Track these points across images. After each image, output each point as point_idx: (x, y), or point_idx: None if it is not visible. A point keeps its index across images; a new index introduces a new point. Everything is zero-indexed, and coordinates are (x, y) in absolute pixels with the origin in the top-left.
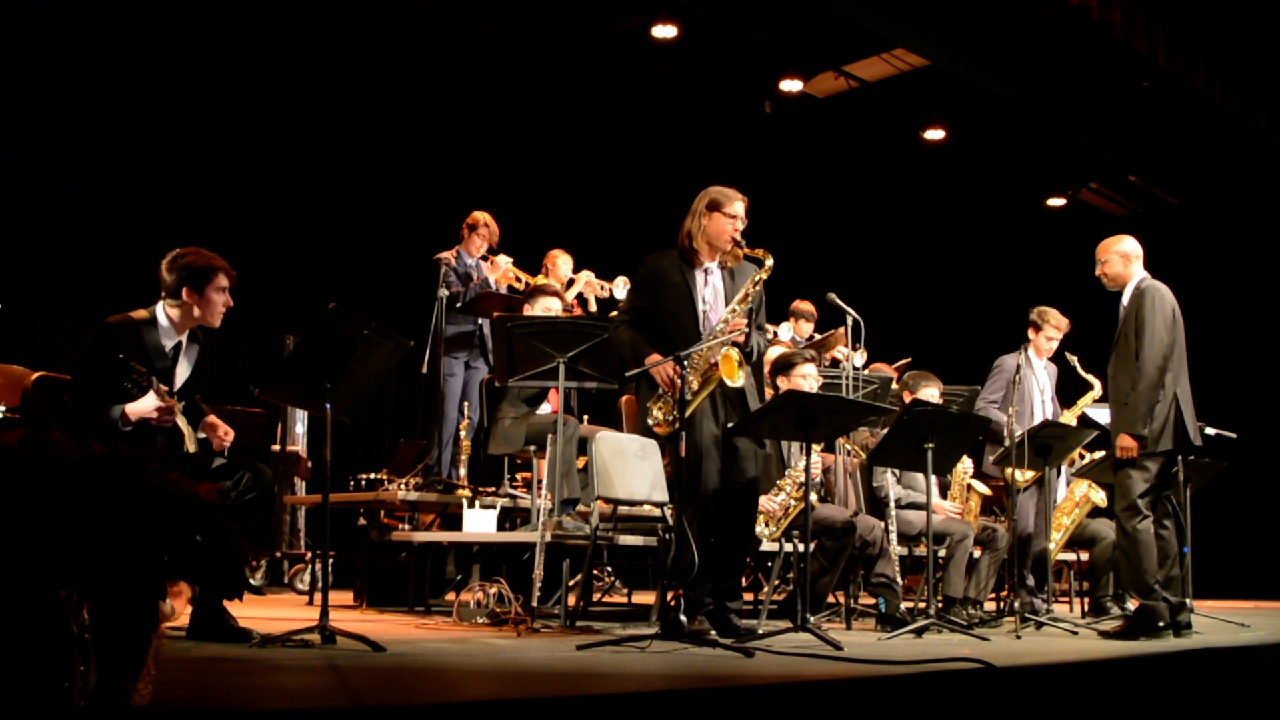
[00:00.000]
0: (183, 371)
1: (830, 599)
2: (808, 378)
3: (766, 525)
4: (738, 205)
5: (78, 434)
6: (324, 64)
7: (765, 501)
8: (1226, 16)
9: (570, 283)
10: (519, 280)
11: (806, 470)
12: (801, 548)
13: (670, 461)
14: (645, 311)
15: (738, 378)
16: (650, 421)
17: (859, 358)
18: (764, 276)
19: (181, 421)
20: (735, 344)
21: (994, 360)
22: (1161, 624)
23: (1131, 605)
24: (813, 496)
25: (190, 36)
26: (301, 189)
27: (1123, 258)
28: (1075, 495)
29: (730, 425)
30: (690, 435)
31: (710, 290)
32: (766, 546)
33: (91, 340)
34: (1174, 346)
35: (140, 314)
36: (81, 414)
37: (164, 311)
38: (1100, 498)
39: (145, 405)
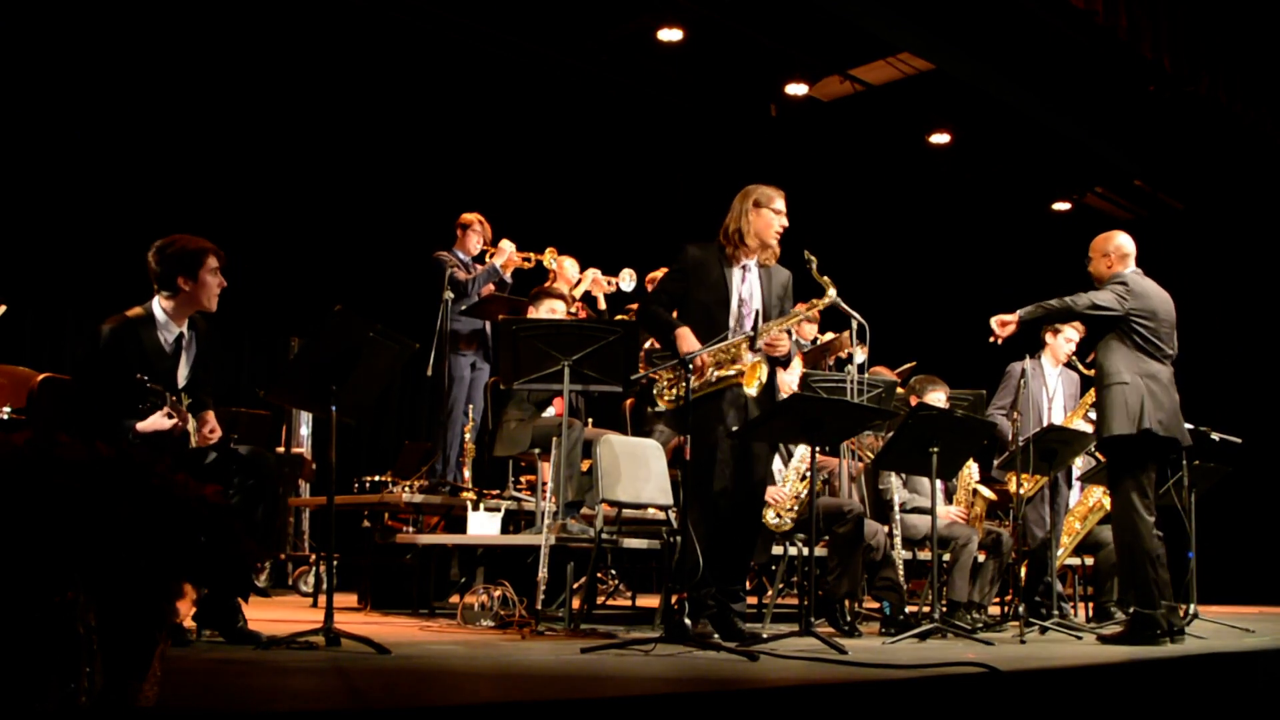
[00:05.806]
0: (185, 366)
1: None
2: None
3: (778, 515)
4: (779, 202)
5: (85, 437)
6: (327, 66)
7: (773, 491)
8: (1232, 21)
9: (578, 283)
10: (528, 262)
11: (811, 474)
12: (807, 551)
13: (680, 461)
14: (677, 298)
15: (754, 387)
16: (655, 391)
17: (860, 354)
18: (822, 306)
19: (190, 426)
20: (771, 358)
21: (997, 364)
22: (1159, 631)
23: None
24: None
25: (192, 39)
26: (307, 191)
27: (1103, 257)
28: (1089, 501)
29: (735, 429)
30: (699, 437)
31: (747, 288)
32: (774, 550)
33: (88, 347)
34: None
35: (135, 311)
36: (86, 422)
37: (159, 305)
38: None
39: (155, 423)
